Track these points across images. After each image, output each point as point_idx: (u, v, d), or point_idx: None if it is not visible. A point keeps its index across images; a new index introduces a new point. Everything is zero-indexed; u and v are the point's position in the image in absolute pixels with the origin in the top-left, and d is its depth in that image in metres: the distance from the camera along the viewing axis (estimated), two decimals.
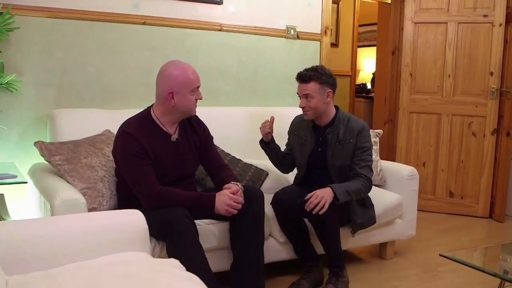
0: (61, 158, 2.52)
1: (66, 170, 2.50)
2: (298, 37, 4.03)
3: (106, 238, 1.83)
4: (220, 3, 3.61)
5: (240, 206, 2.43)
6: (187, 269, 1.71)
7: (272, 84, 3.96)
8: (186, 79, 2.43)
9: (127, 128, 2.44)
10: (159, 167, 2.44)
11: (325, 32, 4.18)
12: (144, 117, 2.52)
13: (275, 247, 2.86)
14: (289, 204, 2.73)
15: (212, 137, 2.75)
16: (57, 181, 2.47)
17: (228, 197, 2.41)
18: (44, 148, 2.55)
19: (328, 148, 2.86)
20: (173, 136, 2.53)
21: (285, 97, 3.99)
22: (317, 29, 4.15)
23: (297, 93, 2.85)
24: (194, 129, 2.65)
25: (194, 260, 2.23)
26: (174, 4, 3.44)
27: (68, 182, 2.47)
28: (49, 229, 1.77)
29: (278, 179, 3.27)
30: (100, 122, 2.99)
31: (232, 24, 3.70)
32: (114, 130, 2.88)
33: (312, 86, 2.77)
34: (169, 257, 2.24)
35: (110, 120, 3.00)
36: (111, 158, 2.60)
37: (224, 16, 3.66)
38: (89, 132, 2.87)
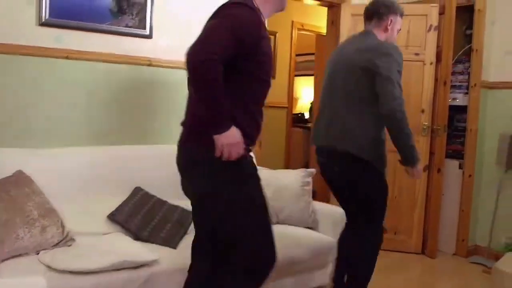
0: None
1: None
2: None
3: None
4: (150, 37, 3.47)
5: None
6: None
7: None
8: None
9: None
10: (267, 62, 2.09)
11: None
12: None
13: None
14: None
15: None
16: None
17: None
18: None
19: None
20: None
21: None
22: None
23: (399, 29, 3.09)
24: None
25: None
26: (99, 37, 3.25)
27: None
28: None
29: None
30: (13, 162, 2.75)
31: (162, 59, 3.55)
32: (28, 171, 2.69)
33: None
34: None
35: (26, 159, 2.80)
36: (18, 200, 2.44)
37: (153, 50, 3.51)
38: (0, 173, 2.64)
